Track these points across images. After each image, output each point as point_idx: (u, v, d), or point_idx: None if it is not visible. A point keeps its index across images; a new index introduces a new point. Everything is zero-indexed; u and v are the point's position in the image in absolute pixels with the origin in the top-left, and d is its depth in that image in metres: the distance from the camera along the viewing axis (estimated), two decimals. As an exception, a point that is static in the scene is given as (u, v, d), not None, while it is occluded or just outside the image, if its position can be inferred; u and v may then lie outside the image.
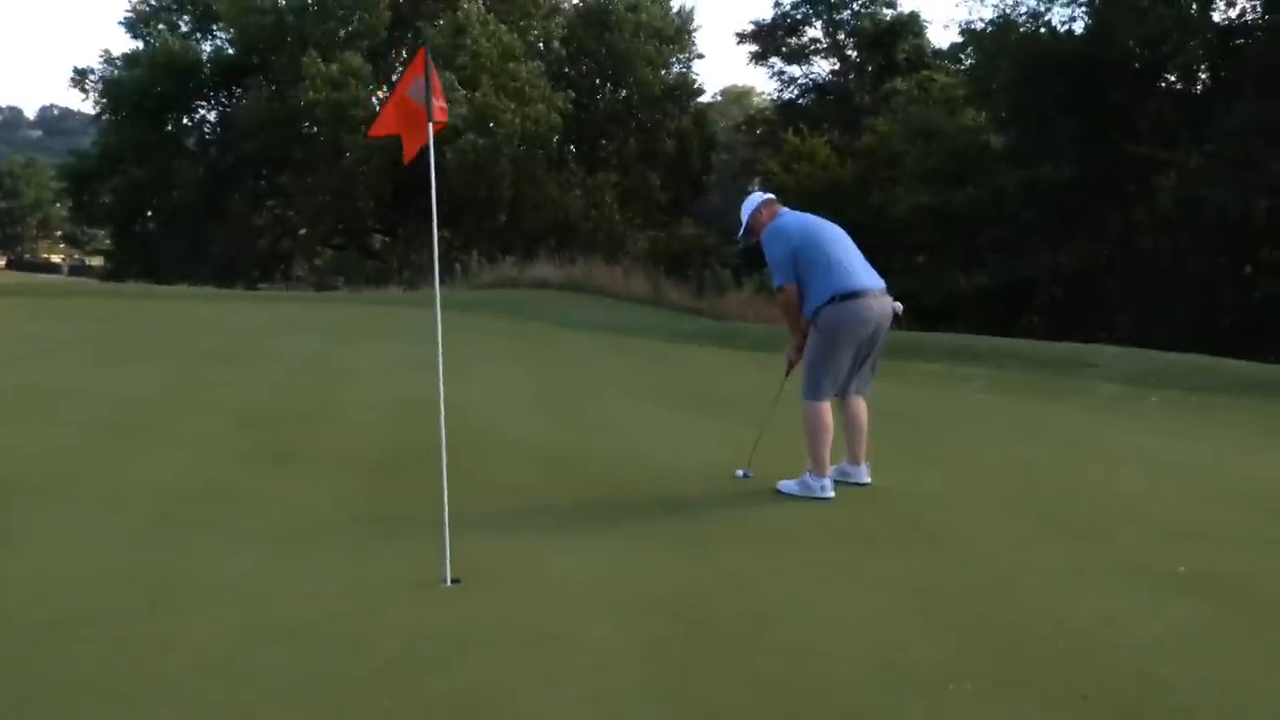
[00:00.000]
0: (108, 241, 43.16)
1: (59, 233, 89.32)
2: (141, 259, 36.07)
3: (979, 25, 27.26)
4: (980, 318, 22.01)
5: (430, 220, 5.08)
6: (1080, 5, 25.30)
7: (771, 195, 6.23)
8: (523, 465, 6.53)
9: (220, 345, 12.29)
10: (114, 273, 38.24)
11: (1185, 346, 13.32)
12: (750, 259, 27.18)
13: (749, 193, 6.57)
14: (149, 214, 36.59)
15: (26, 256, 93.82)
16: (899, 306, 5.90)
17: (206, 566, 4.64)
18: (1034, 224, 24.55)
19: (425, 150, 4.57)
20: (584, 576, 4.55)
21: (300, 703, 3.38)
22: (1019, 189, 24.24)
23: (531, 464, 6.58)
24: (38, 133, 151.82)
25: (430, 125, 4.45)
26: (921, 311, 23.73)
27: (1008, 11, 25.86)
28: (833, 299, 5.71)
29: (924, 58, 35.80)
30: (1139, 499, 5.93)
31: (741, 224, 6.14)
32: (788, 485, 5.82)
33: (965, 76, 30.04)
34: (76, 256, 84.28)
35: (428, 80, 4.39)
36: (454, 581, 4.37)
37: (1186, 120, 22.64)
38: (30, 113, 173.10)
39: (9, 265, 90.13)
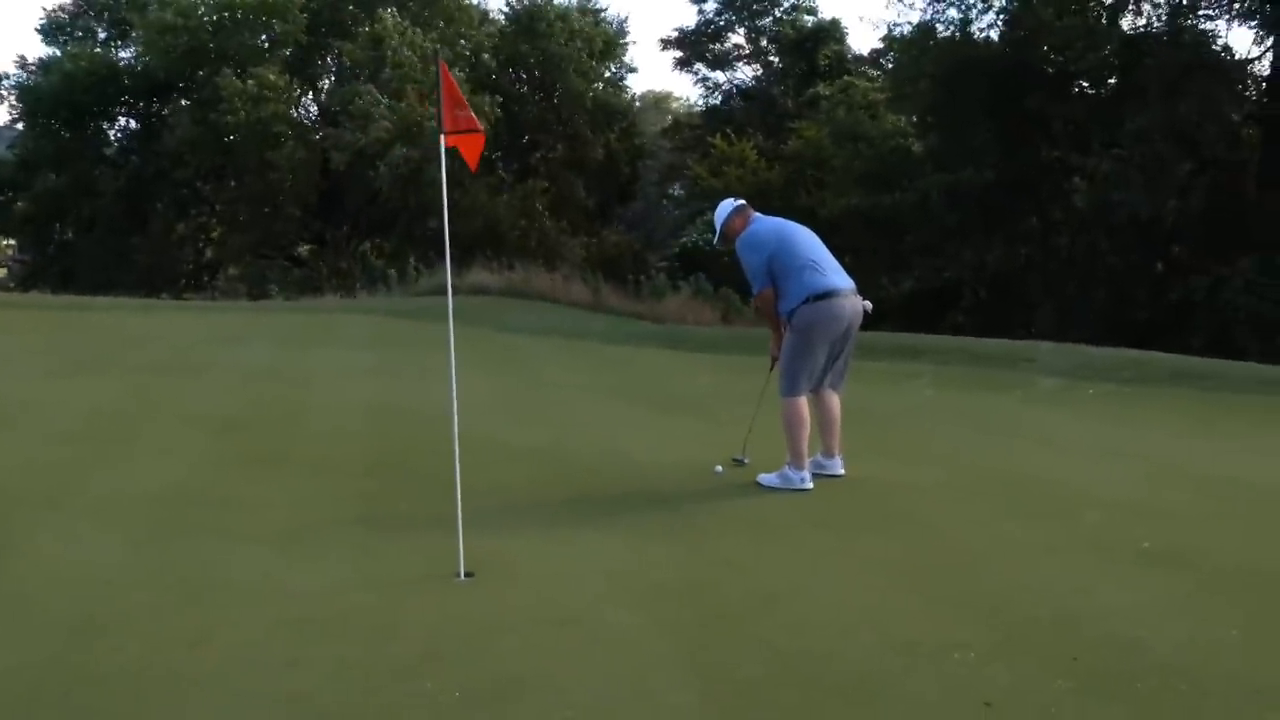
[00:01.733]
0: (16, 250, 41.98)
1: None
2: (58, 268, 35.14)
3: (901, 31, 27.99)
4: (908, 317, 22.64)
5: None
6: (999, 13, 26.15)
7: (743, 201, 6.52)
8: (509, 465, 6.72)
9: (167, 357, 12.17)
10: (27, 281, 37.15)
11: (1102, 341, 13.98)
12: (685, 264, 27.58)
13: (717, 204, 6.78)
14: (66, 222, 35.66)
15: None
16: (869, 305, 6.24)
17: (218, 566, 4.76)
18: (957, 226, 25.32)
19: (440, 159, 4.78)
20: (591, 567, 4.77)
21: (343, 688, 3.56)
22: (942, 192, 24.98)
23: (516, 464, 6.77)
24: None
25: (443, 137, 4.64)
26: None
27: (933, 18, 26.62)
28: (807, 299, 6.02)
29: (845, 63, 36.58)
30: (1092, 483, 6.34)
31: (715, 230, 6.53)
32: (768, 478, 6.11)
33: (887, 81, 30.81)
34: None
35: (439, 93, 4.57)
36: (467, 575, 4.57)
37: (1098, 125, 23.59)
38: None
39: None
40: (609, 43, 38.12)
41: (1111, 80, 25.22)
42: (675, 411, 9.16)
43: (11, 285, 35.65)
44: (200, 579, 4.60)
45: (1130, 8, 24.60)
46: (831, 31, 37.80)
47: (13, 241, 42.49)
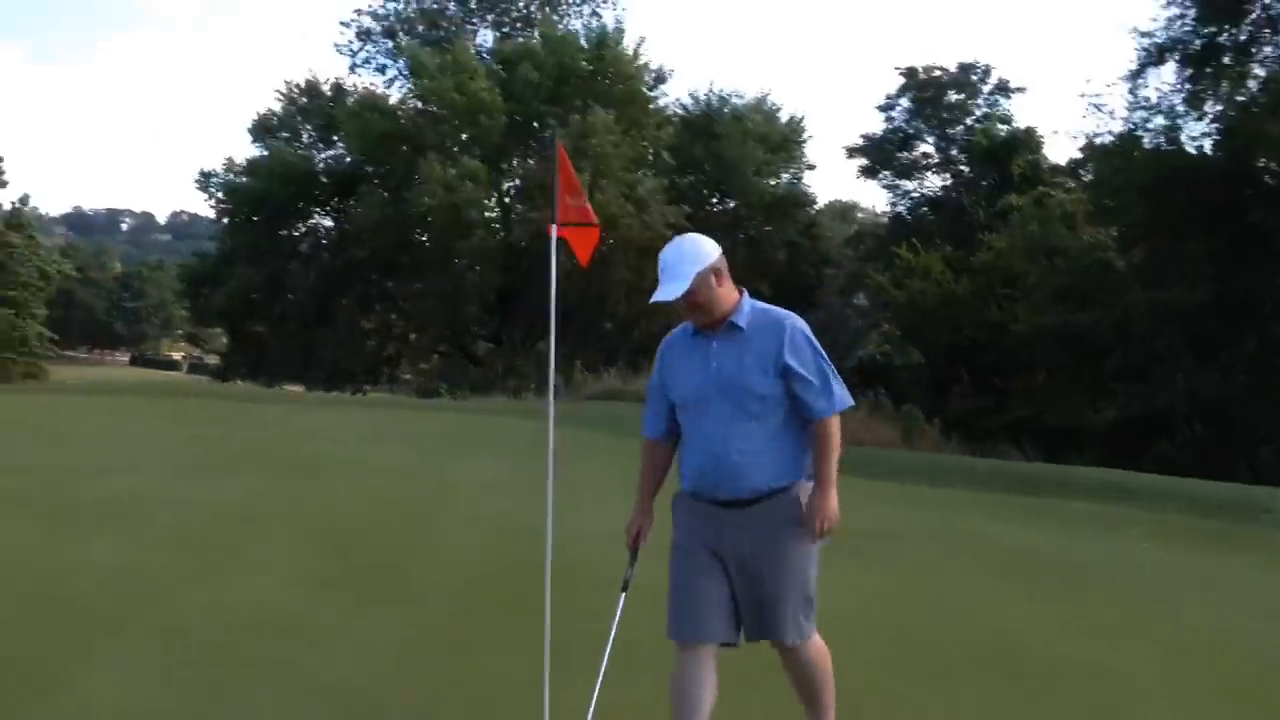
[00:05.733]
0: (223, 340, 44.34)
1: (180, 331, 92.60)
2: (252, 360, 36.72)
3: (1104, 139, 26.38)
4: (1110, 449, 20.62)
5: (546, 327, 4.48)
6: (1212, 121, 24.29)
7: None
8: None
9: (314, 457, 11.85)
10: (224, 372, 39.02)
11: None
12: (863, 377, 26.21)
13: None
14: (262, 315, 37.38)
15: (149, 354, 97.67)
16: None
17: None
18: (1166, 349, 23.19)
19: (551, 250, 4.03)
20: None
21: None
22: (1148, 311, 23.01)
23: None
24: (167, 236, 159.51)
25: (554, 228, 3.90)
26: (1046, 438, 22.43)
27: (1135, 126, 24.97)
28: None
29: (1040, 173, 34.91)
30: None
31: (679, 278, 3.43)
32: None
33: (1088, 193, 29.06)
34: (196, 354, 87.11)
35: (554, 177, 3.84)
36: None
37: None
38: (161, 217, 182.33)
39: (133, 361, 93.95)
40: (785, 138, 37.82)
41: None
42: (851, 550, 7.88)
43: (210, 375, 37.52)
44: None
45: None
46: (1026, 140, 36.30)
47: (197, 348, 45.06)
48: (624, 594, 3.65)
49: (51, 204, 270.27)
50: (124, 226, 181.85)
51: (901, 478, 12.32)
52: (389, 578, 6.32)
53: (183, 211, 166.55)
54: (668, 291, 3.41)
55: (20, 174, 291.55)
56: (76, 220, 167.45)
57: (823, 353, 3.51)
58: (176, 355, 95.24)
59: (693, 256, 3.44)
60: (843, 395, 3.47)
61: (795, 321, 3.49)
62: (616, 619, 3.61)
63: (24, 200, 39.81)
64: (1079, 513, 9.02)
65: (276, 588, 5.99)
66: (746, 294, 3.56)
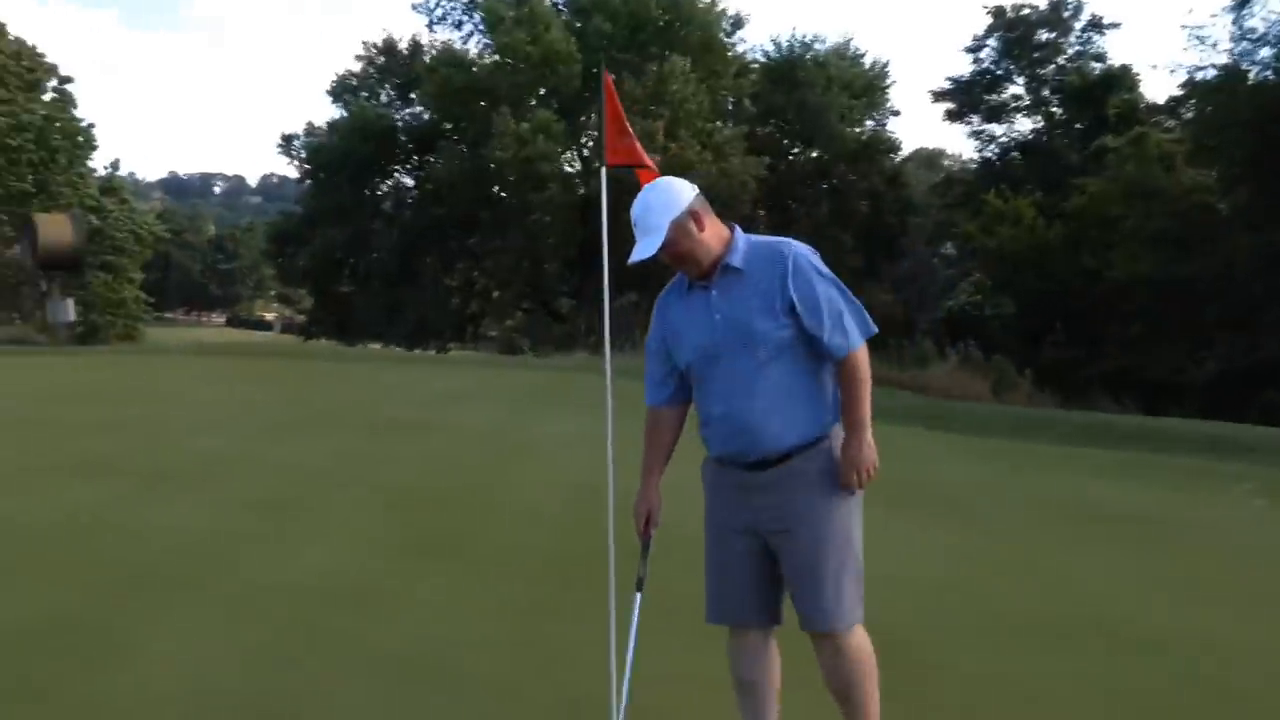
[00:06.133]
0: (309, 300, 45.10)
1: (273, 291, 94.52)
2: (337, 319, 37.20)
3: (1206, 75, 25.11)
4: (1211, 401, 19.77)
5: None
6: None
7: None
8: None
9: (396, 416, 11.87)
10: (309, 332, 39.66)
11: None
12: (952, 328, 25.62)
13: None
14: (346, 274, 37.82)
15: (243, 315, 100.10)
16: None
17: (324, 699, 3.88)
18: (1269, 296, 22.10)
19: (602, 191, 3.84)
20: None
21: None
22: (1253, 256, 21.95)
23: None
24: (258, 199, 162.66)
25: (604, 170, 3.68)
26: (1143, 390, 21.63)
27: (1240, 58, 23.70)
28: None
29: (1137, 113, 33.50)
30: None
31: (653, 231, 3.04)
32: None
33: (1188, 132, 27.78)
34: (288, 314, 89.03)
35: (601, 112, 3.60)
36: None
37: None
38: (252, 180, 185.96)
39: (228, 323, 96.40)
40: (869, 84, 36.91)
41: None
42: (932, 511, 7.62)
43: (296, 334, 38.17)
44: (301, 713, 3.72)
45: None
46: (1122, 79, 34.84)
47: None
48: (639, 594, 3.28)
49: (148, 169, 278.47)
50: (217, 190, 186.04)
51: (990, 432, 11.94)
52: (458, 544, 6.22)
53: (272, 174, 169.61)
54: (643, 249, 3.03)
55: (117, 140, 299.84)
56: (172, 184, 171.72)
57: (835, 279, 3.06)
58: (269, 316, 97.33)
59: (663, 206, 3.05)
60: (863, 324, 3.03)
61: (797, 248, 3.06)
62: (634, 625, 3.24)
63: (115, 165, 40.84)
64: (1183, 469, 8.56)
65: (347, 553, 5.93)
66: (739, 230, 3.16)
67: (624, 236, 3.18)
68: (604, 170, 3.77)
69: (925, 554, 6.11)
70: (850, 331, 3.01)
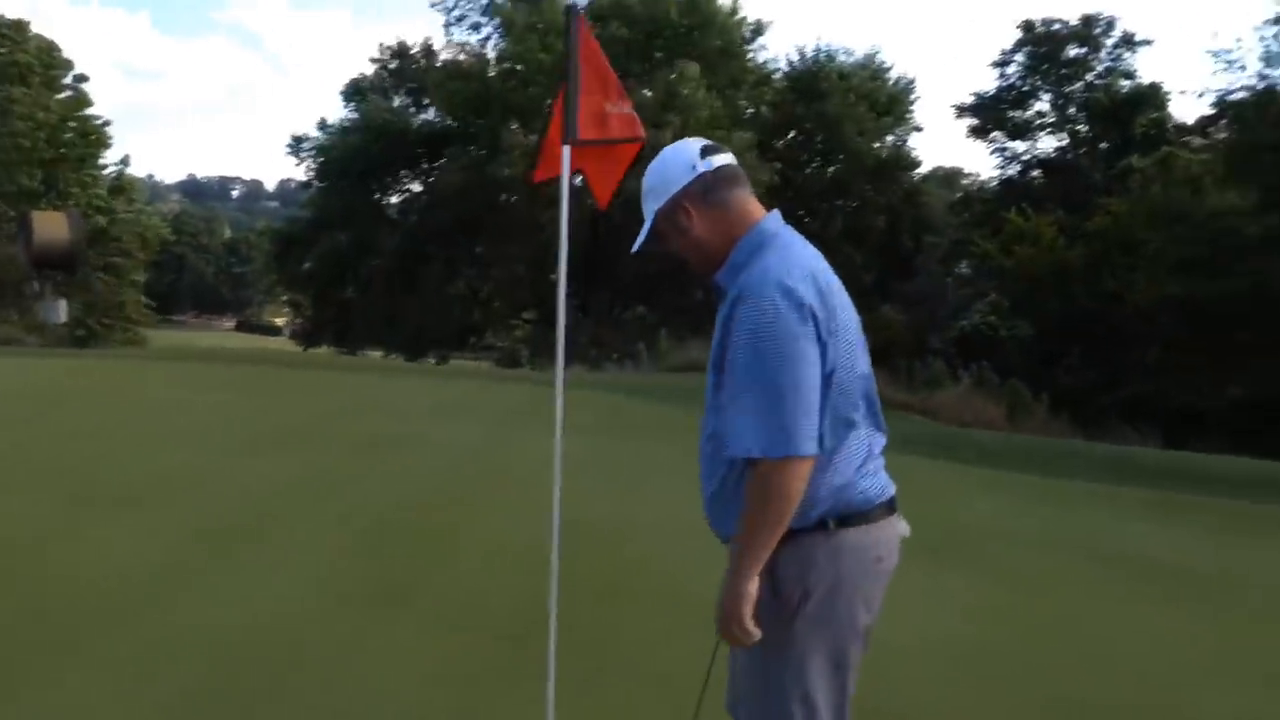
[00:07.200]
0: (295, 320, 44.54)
1: (284, 297, 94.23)
2: (337, 326, 36.66)
3: (1238, 95, 24.37)
4: (1234, 432, 18.97)
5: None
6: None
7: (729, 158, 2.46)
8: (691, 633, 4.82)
9: (375, 431, 11.16)
10: (309, 338, 39.10)
11: None
12: (964, 349, 24.86)
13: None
14: (347, 280, 37.24)
15: (253, 319, 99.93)
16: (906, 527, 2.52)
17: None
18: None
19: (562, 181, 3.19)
20: None
21: None
22: (1285, 281, 21.14)
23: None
24: (275, 203, 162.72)
25: (566, 151, 3.03)
26: (1167, 418, 20.84)
27: (1272, 78, 22.98)
28: (847, 513, 2.31)
29: (1165, 133, 32.74)
30: None
31: (648, 217, 2.47)
32: None
33: (1219, 154, 26.99)
34: (298, 320, 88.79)
35: (569, 57, 2.94)
36: None
37: None
38: (270, 185, 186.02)
39: (238, 327, 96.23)
40: (893, 99, 36.28)
41: None
42: (941, 558, 6.83)
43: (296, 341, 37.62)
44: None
45: None
46: (1151, 97, 34.08)
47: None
48: None
49: (167, 171, 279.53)
50: (234, 194, 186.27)
51: (1008, 464, 11.16)
52: (413, 589, 5.51)
53: (290, 179, 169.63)
54: (639, 239, 2.41)
55: (137, 142, 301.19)
56: (191, 187, 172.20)
57: (766, 355, 2.14)
58: (279, 320, 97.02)
59: (651, 190, 2.37)
60: (759, 436, 2.11)
61: (748, 292, 2.19)
62: None
63: (125, 160, 40.22)
64: (1226, 512, 7.80)
65: (291, 596, 5.23)
66: (760, 225, 2.35)
67: (631, 233, 2.50)
68: (566, 151, 3.10)
69: (938, 612, 5.37)
70: (741, 435, 2.15)
